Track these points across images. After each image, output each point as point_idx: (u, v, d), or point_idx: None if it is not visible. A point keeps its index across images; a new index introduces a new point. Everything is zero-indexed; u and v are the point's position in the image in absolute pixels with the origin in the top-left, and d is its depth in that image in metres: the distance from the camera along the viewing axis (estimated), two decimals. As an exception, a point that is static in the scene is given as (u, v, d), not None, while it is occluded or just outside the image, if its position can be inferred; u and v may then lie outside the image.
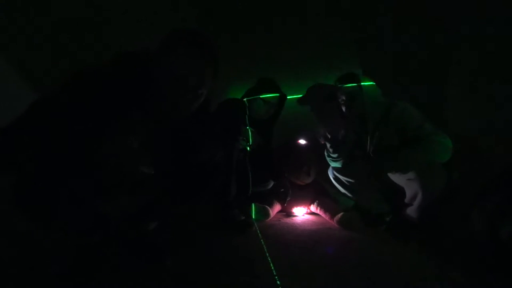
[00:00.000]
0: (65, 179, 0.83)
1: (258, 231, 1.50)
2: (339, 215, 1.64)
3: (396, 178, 1.54)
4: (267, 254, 1.21)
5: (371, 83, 1.62)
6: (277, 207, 1.88)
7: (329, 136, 1.78)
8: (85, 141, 0.82)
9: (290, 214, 1.88)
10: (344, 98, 1.63)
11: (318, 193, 1.92)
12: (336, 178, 1.80)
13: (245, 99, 1.82)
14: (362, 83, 1.60)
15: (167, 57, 0.90)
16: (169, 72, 0.89)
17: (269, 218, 1.76)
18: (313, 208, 1.89)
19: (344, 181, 1.75)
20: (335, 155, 1.74)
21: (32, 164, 0.80)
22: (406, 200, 1.48)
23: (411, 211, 1.45)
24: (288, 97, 1.89)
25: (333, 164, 1.79)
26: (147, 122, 0.95)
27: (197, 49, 0.91)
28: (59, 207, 0.86)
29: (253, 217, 1.69)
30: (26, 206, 0.84)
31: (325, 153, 1.83)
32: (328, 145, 1.79)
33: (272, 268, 1.07)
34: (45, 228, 0.94)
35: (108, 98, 0.85)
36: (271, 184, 1.89)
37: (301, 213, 1.88)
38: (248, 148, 1.75)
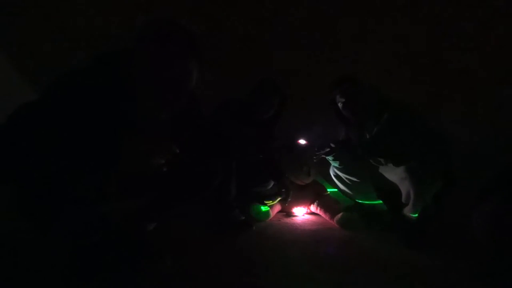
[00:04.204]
0: (64, 180, 0.83)
1: (258, 231, 1.50)
2: (339, 215, 1.64)
3: (392, 176, 1.54)
4: (267, 254, 1.21)
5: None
6: (277, 207, 1.88)
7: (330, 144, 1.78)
8: (80, 143, 0.81)
9: (290, 214, 1.88)
10: (343, 100, 1.62)
11: (318, 193, 1.92)
12: (337, 176, 1.80)
13: (245, 100, 1.82)
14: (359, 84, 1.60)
15: (145, 54, 0.86)
16: (148, 69, 0.86)
17: (269, 218, 1.76)
18: (313, 208, 1.89)
19: (345, 179, 1.75)
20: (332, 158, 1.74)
21: (30, 168, 0.79)
22: (403, 200, 1.48)
23: (407, 211, 1.46)
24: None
25: (333, 163, 1.79)
26: (137, 122, 0.94)
27: (175, 42, 0.87)
28: (59, 208, 0.86)
29: (253, 217, 1.69)
30: (27, 208, 0.84)
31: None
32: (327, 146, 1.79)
33: (273, 268, 1.08)
34: (46, 229, 0.94)
35: (93, 100, 0.83)
36: (271, 184, 1.89)
37: (301, 213, 1.88)
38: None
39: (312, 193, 1.92)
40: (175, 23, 0.90)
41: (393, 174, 1.52)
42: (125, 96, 0.89)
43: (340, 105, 1.63)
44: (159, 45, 0.85)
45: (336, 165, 1.76)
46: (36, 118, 0.80)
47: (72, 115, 0.80)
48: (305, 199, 1.90)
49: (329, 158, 1.78)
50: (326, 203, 1.83)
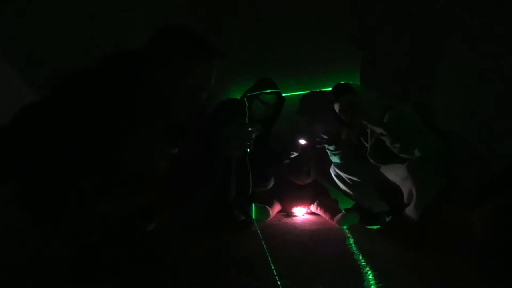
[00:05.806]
0: (65, 180, 0.83)
1: (258, 231, 1.50)
2: (339, 215, 1.65)
3: (393, 177, 1.54)
4: (267, 254, 1.21)
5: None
6: (277, 207, 1.88)
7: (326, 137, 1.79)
8: (83, 142, 0.82)
9: (290, 214, 1.88)
10: (342, 110, 1.63)
11: (318, 193, 1.92)
12: (337, 175, 1.80)
13: (244, 99, 1.82)
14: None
15: (160, 57, 0.87)
16: (165, 73, 0.87)
17: (269, 218, 1.76)
18: (313, 208, 1.89)
19: (346, 179, 1.75)
20: (332, 148, 1.75)
21: (32, 167, 0.79)
22: (405, 200, 1.48)
23: (409, 211, 1.46)
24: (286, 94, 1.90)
25: (333, 159, 1.79)
26: (145, 122, 0.94)
27: (193, 48, 0.88)
28: (62, 206, 0.86)
29: (253, 217, 1.69)
30: (28, 207, 0.84)
31: (325, 146, 1.83)
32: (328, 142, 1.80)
33: (273, 268, 1.07)
34: (47, 228, 0.94)
35: (103, 99, 0.83)
36: (271, 184, 1.89)
37: (301, 213, 1.88)
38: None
39: (312, 193, 1.92)
40: (190, 27, 0.90)
41: (394, 174, 1.52)
42: (133, 98, 0.89)
43: (339, 113, 1.65)
44: (177, 49, 0.86)
45: (337, 161, 1.76)
46: (44, 118, 0.80)
47: (79, 115, 0.80)
48: (305, 199, 1.90)
49: (329, 151, 1.78)
50: (326, 203, 1.83)
